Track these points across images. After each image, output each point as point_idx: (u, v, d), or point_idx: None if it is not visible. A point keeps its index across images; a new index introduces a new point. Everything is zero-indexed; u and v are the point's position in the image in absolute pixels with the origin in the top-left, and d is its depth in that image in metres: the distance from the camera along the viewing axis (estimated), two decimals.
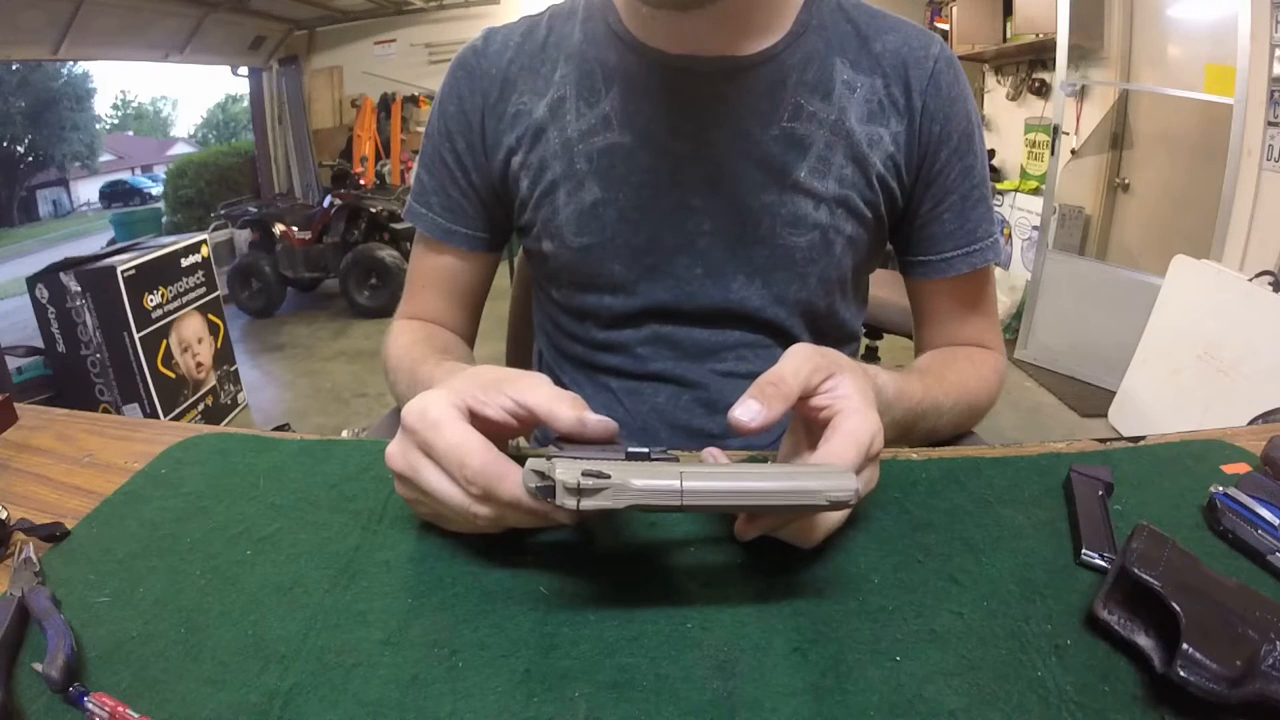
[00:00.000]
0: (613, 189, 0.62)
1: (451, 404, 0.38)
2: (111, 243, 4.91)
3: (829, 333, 0.68)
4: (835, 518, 0.39)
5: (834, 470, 0.36)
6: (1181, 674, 0.29)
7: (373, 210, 4.39)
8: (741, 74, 0.60)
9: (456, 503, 0.37)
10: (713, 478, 0.34)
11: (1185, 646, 0.30)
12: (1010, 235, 3.42)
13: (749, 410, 0.38)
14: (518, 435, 0.44)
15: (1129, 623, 0.34)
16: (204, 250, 2.80)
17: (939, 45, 0.63)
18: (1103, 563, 0.38)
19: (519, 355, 0.99)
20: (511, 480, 0.36)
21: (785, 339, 0.65)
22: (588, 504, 0.33)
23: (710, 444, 0.59)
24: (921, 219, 0.65)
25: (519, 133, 0.64)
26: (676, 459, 0.38)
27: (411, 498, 0.40)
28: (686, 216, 0.62)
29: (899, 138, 0.62)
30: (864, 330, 0.80)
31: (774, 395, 0.39)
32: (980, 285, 0.69)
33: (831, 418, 0.40)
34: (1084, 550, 0.39)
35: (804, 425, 0.44)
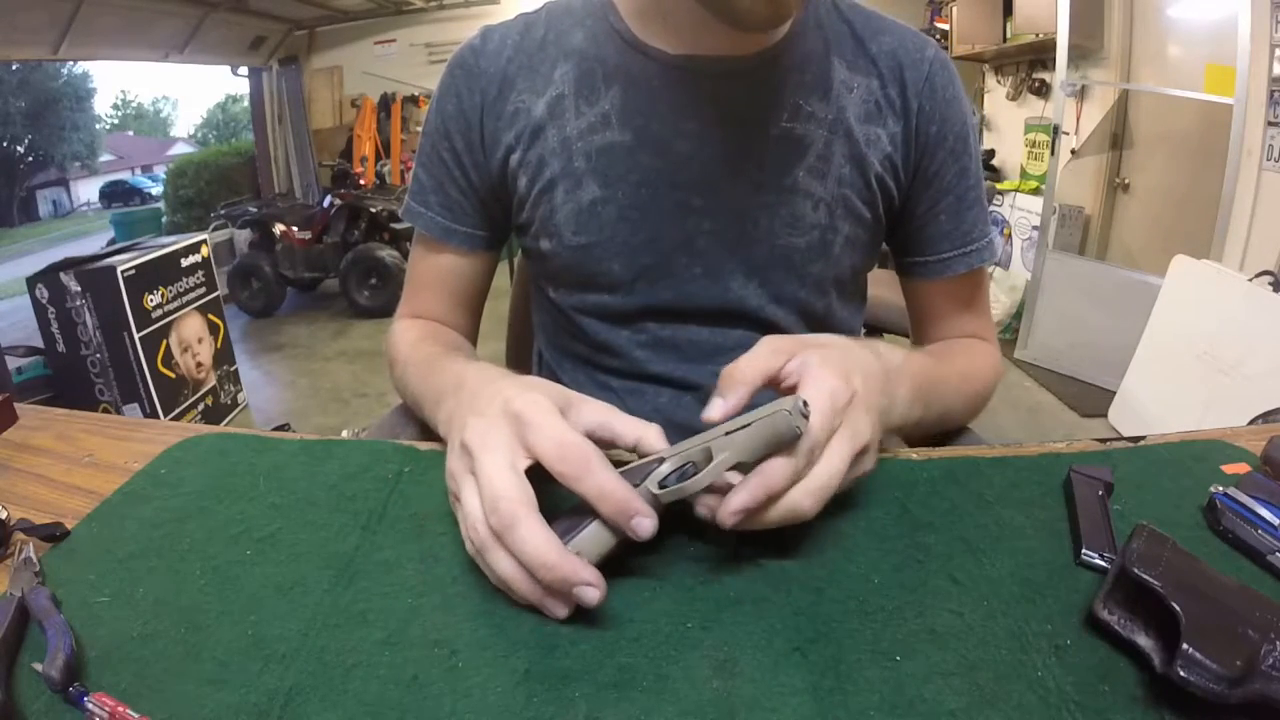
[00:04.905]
0: (611, 188, 0.62)
1: (552, 400, 0.40)
2: (111, 243, 4.91)
3: (828, 331, 0.68)
4: (822, 476, 0.39)
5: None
6: (1181, 674, 0.29)
7: (373, 210, 4.39)
8: (742, 74, 0.60)
9: (499, 485, 0.37)
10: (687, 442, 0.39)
11: (1185, 646, 0.30)
12: (1010, 235, 3.42)
13: (713, 407, 0.42)
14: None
15: (1129, 623, 0.34)
16: (204, 250, 2.80)
17: (933, 48, 0.64)
18: (1103, 563, 0.38)
19: (519, 355, 0.99)
20: (607, 467, 0.37)
21: None
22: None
23: None
24: (918, 220, 0.66)
25: (517, 131, 0.64)
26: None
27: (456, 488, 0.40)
28: (685, 216, 0.62)
29: (896, 138, 0.62)
30: (864, 330, 0.80)
31: (728, 386, 0.43)
32: (976, 285, 0.70)
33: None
34: (1084, 550, 0.39)
35: None
